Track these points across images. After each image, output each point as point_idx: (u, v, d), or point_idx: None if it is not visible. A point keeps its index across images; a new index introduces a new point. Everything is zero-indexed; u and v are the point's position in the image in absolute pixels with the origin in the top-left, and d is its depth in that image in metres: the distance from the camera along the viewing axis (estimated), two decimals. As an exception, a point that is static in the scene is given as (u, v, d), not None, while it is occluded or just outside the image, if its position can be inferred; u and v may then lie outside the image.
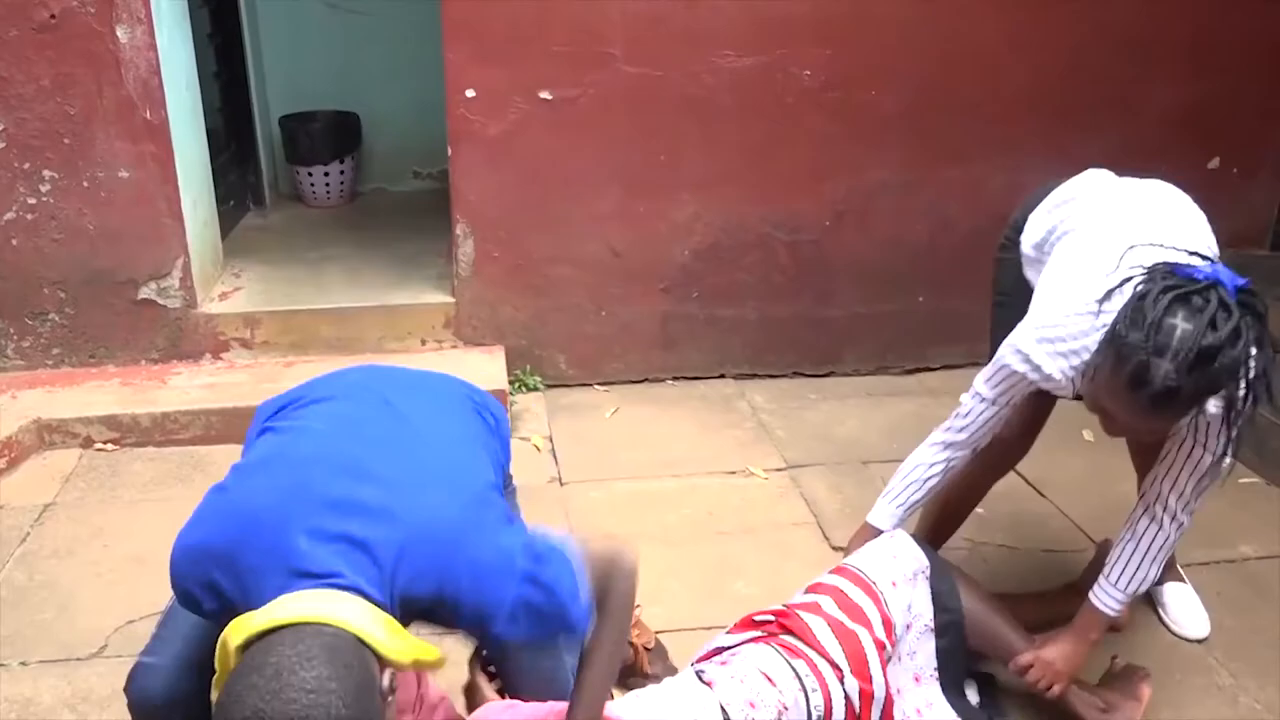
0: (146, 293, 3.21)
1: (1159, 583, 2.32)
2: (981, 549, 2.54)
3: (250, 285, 3.54)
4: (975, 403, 1.94)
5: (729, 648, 1.84)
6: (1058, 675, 1.94)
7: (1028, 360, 1.80)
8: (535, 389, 3.38)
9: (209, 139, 3.52)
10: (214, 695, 1.25)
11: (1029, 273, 2.08)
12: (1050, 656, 1.94)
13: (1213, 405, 1.67)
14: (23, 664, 2.17)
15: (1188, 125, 3.44)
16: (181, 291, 3.23)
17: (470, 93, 3.10)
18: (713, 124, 3.23)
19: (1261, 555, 2.56)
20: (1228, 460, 1.79)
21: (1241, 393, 1.61)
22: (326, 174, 4.52)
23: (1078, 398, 1.82)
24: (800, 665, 1.74)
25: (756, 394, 3.42)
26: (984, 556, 2.52)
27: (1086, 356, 1.72)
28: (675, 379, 3.51)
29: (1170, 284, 1.58)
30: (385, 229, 4.21)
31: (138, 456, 2.99)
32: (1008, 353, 1.84)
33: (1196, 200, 1.92)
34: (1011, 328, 1.87)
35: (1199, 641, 2.26)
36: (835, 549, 2.56)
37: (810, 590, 1.90)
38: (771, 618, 1.85)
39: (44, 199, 3.07)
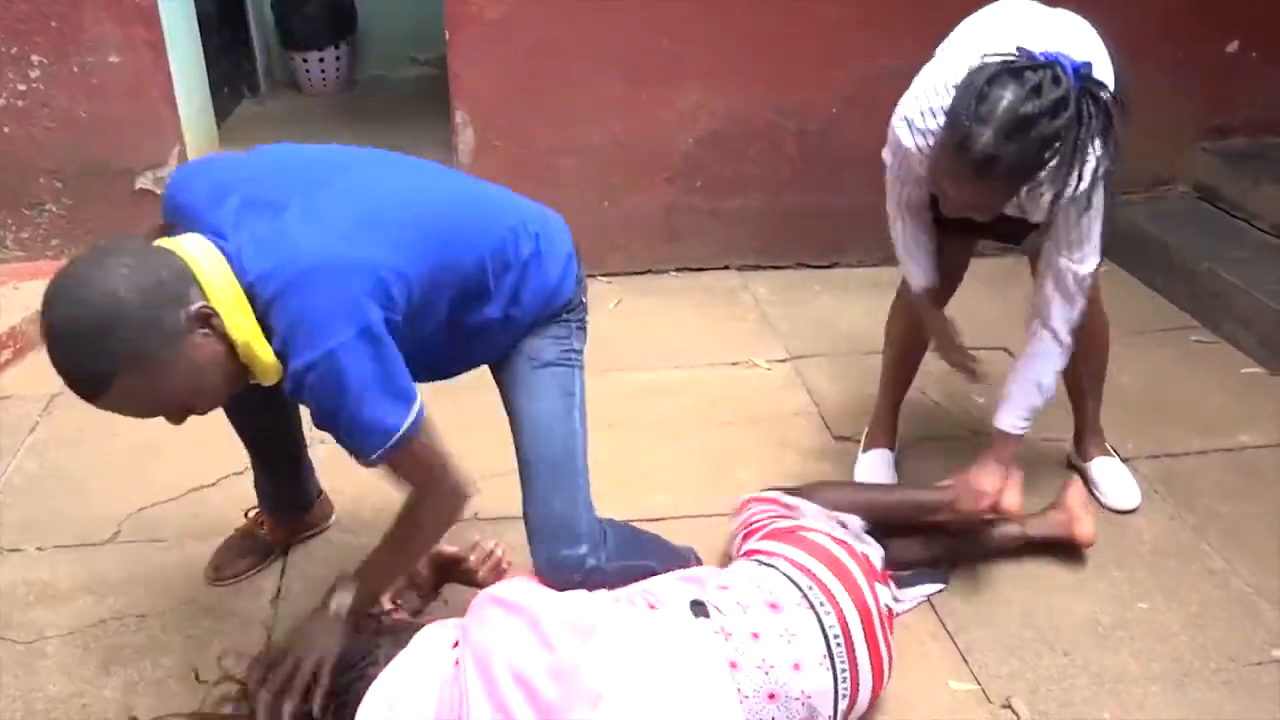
0: (143, 182, 3.17)
1: (1086, 459, 2.40)
2: (982, 438, 2.56)
3: (248, 175, 3.49)
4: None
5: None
6: (985, 494, 2.04)
7: (892, 136, 1.90)
8: (538, 280, 3.37)
9: (199, 22, 3.42)
10: None
11: None
12: (973, 480, 2.06)
13: (1044, 191, 1.71)
14: (39, 549, 2.22)
15: (1205, 4, 3.32)
16: (179, 181, 3.19)
17: (468, -28, 3.00)
18: (719, 9, 3.13)
19: (1260, 444, 2.58)
20: (1089, 265, 1.90)
21: (1074, 181, 1.66)
22: (322, 59, 4.42)
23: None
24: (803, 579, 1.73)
25: (760, 285, 3.41)
26: (985, 444, 2.54)
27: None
28: (679, 270, 3.50)
29: (1007, 60, 1.65)
30: (383, 117, 4.14)
31: (142, 348, 3.00)
32: (893, 120, 1.92)
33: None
34: None
35: (1128, 512, 2.32)
36: (837, 439, 2.59)
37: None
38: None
39: (34, 85, 3.01)
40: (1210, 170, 3.53)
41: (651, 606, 1.75)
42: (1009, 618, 2.05)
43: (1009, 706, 1.85)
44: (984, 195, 1.74)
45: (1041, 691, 1.88)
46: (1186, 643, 1.99)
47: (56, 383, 1.35)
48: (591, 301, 1.89)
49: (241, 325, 1.37)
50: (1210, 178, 3.54)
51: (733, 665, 1.58)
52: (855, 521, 1.96)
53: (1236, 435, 2.61)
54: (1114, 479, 2.37)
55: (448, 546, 1.77)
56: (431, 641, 1.57)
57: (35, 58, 2.98)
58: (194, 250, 1.36)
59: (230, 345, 1.38)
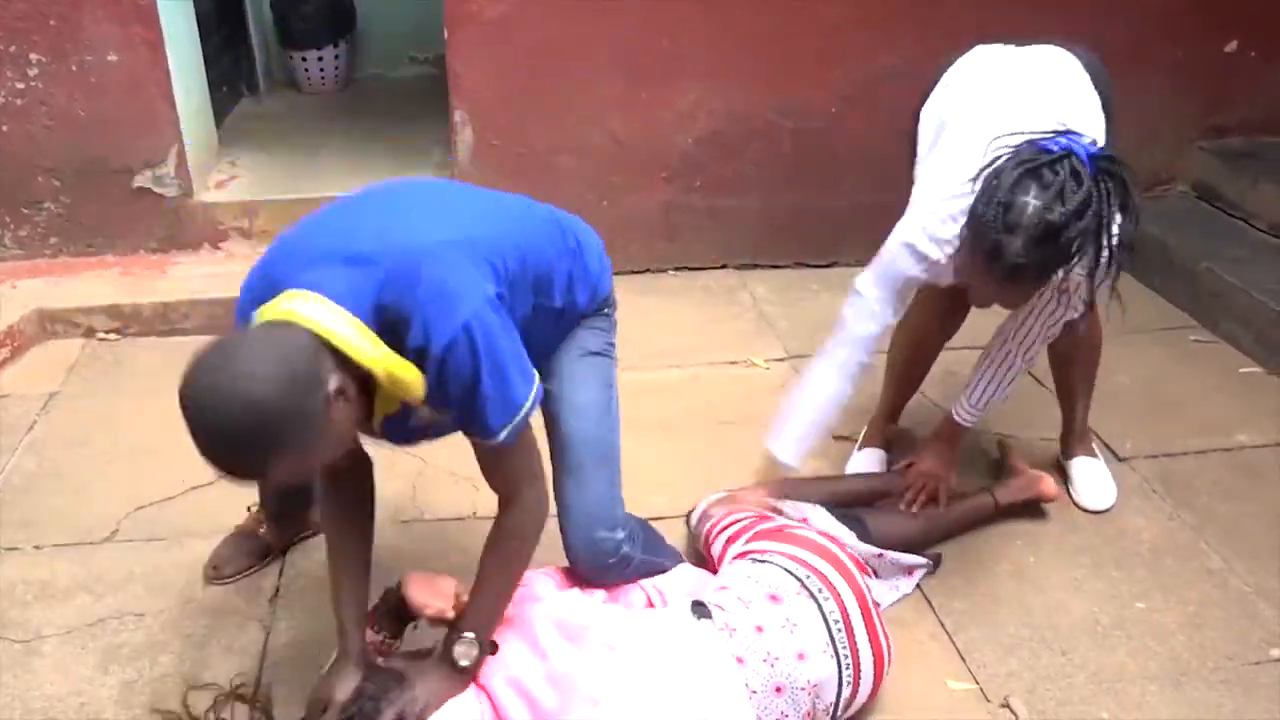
0: (142, 181, 3.17)
1: (1068, 456, 2.42)
2: (980, 438, 2.56)
3: (247, 174, 3.49)
4: (862, 306, 1.99)
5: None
6: (938, 476, 2.18)
7: (914, 251, 1.88)
8: (537, 279, 3.37)
9: (198, 21, 3.42)
10: None
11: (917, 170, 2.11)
12: (925, 466, 2.20)
13: (1078, 271, 1.75)
14: (37, 548, 2.22)
15: (1205, 4, 3.32)
16: (177, 180, 3.19)
17: (467, -29, 3.00)
18: (719, 9, 3.13)
19: (1258, 444, 2.58)
20: (1078, 313, 1.95)
21: (1105, 255, 1.69)
22: (321, 58, 4.42)
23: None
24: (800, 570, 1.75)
25: (759, 285, 3.41)
26: (984, 446, 2.54)
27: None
28: (677, 270, 3.49)
29: (1024, 159, 1.65)
30: (382, 116, 4.13)
31: (141, 346, 3.00)
32: (896, 249, 1.90)
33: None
34: None
35: (1100, 513, 2.33)
36: (836, 438, 2.58)
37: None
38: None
39: (32, 84, 3.00)
40: (1209, 170, 3.53)
41: (650, 604, 1.76)
42: (1007, 617, 2.05)
43: (1007, 705, 1.85)
44: (1014, 295, 1.80)
45: (1039, 690, 1.88)
46: (1184, 642, 1.99)
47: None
48: (589, 301, 1.90)
49: (375, 357, 1.33)
50: (1209, 177, 3.54)
51: (739, 660, 1.59)
52: (820, 511, 2.02)
53: (1235, 435, 2.61)
54: (1090, 479, 2.38)
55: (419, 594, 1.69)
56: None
57: (34, 56, 2.97)
58: (303, 309, 1.32)
59: (363, 390, 1.36)
